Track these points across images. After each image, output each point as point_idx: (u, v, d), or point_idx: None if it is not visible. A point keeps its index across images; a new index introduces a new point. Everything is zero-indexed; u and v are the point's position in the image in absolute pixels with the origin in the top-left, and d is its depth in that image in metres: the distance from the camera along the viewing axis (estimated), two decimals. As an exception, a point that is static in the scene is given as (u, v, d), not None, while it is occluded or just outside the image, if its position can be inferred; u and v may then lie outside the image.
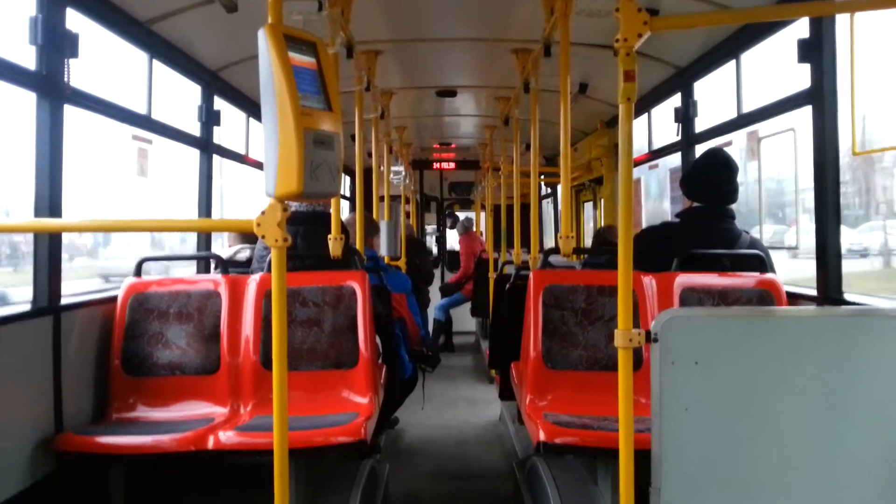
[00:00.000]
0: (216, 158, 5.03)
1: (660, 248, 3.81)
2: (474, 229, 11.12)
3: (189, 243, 5.35)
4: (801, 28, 3.42)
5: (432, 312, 9.96)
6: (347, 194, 9.82)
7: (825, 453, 2.25)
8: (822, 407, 2.27)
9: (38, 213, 3.09)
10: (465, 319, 10.42)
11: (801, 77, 3.41)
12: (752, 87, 4.24)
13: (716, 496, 2.26)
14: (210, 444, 3.02)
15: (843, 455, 2.25)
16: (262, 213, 2.16)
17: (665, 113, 5.54)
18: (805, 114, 3.43)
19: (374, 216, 5.89)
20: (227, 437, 3.04)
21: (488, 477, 4.99)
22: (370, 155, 6.37)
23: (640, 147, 6.03)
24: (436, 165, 11.39)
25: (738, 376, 2.27)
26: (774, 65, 4.12)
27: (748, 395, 2.27)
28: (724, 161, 3.92)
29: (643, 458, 2.26)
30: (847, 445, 2.25)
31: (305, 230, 4.01)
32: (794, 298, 3.64)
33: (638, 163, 5.94)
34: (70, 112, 3.22)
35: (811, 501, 2.26)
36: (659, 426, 2.22)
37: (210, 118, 4.86)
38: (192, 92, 4.79)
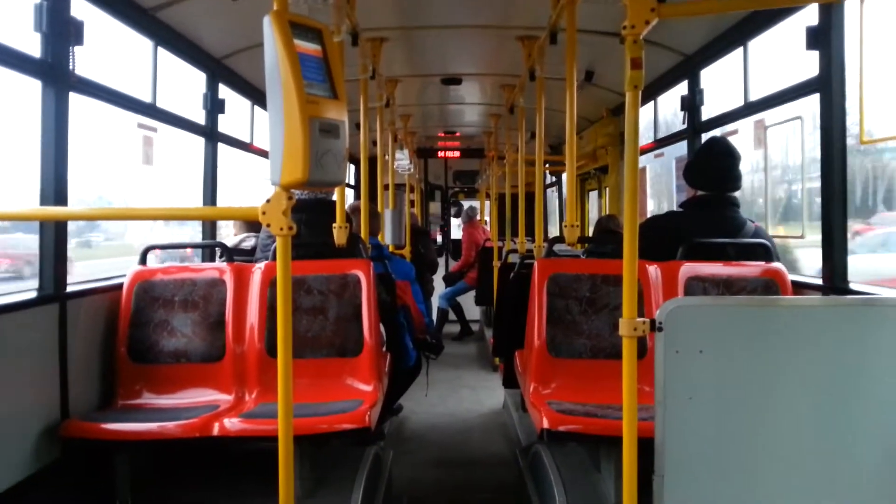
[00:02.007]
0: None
1: (664, 237, 3.81)
2: (478, 218, 11.11)
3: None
4: (809, 15, 3.39)
5: (436, 301, 9.98)
6: (352, 182, 9.82)
7: (829, 442, 2.25)
8: (826, 396, 2.27)
9: (43, 201, 3.09)
10: (469, 308, 10.44)
11: (809, 65, 3.39)
12: (759, 75, 4.22)
13: (719, 484, 2.27)
14: (215, 430, 3.04)
15: (847, 444, 2.25)
16: (267, 201, 2.16)
17: (671, 101, 5.52)
18: (812, 102, 3.41)
19: (379, 205, 5.89)
20: (232, 423, 3.06)
21: (492, 464, 5.01)
22: (375, 143, 6.36)
23: (645, 135, 6.00)
24: (440, 154, 11.36)
25: (743, 365, 2.27)
26: (782, 53, 4.10)
27: (752, 384, 2.27)
28: (726, 149, 3.90)
29: (646, 446, 2.27)
30: (851, 435, 2.25)
31: (309, 218, 4.01)
32: (799, 288, 3.63)
33: (644, 151, 5.92)
34: (75, 100, 3.22)
35: (815, 490, 2.27)
36: (662, 414, 2.22)
37: (215, 106, 4.86)
38: (196, 80, 4.78)
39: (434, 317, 9.67)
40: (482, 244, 9.94)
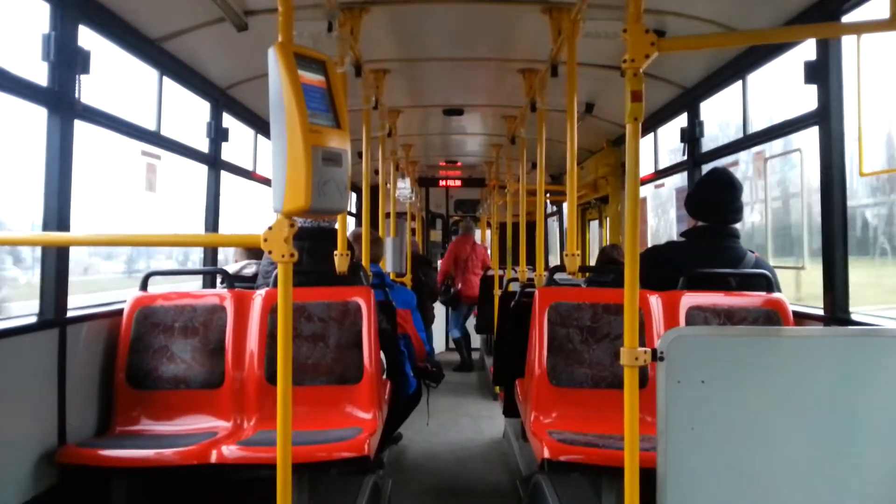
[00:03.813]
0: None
1: (665, 267, 3.81)
2: (473, 234, 10.77)
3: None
4: (807, 49, 3.43)
5: (440, 334, 9.88)
6: (353, 211, 9.85)
7: (831, 473, 2.24)
8: (828, 427, 2.26)
9: (46, 227, 3.11)
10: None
11: (807, 97, 3.42)
12: (758, 108, 4.26)
13: (721, 517, 2.25)
14: (213, 458, 3.02)
15: (849, 475, 2.24)
16: (269, 228, 2.17)
17: (671, 132, 5.56)
18: (812, 134, 3.44)
19: (381, 233, 5.91)
20: (230, 451, 3.04)
21: (492, 494, 4.96)
22: (377, 172, 6.40)
23: (645, 166, 6.04)
24: (442, 183, 11.43)
25: (745, 396, 2.26)
26: (781, 85, 4.14)
27: (754, 414, 2.26)
28: (727, 180, 3.92)
29: (648, 477, 2.25)
30: (854, 465, 2.24)
31: (311, 246, 4.02)
32: (800, 318, 3.63)
33: (644, 182, 5.95)
34: (80, 127, 3.25)
35: (817, 523, 2.25)
36: (664, 445, 2.21)
37: (218, 134, 4.90)
38: (201, 108, 4.84)
39: (444, 344, 9.56)
40: (465, 258, 9.78)
